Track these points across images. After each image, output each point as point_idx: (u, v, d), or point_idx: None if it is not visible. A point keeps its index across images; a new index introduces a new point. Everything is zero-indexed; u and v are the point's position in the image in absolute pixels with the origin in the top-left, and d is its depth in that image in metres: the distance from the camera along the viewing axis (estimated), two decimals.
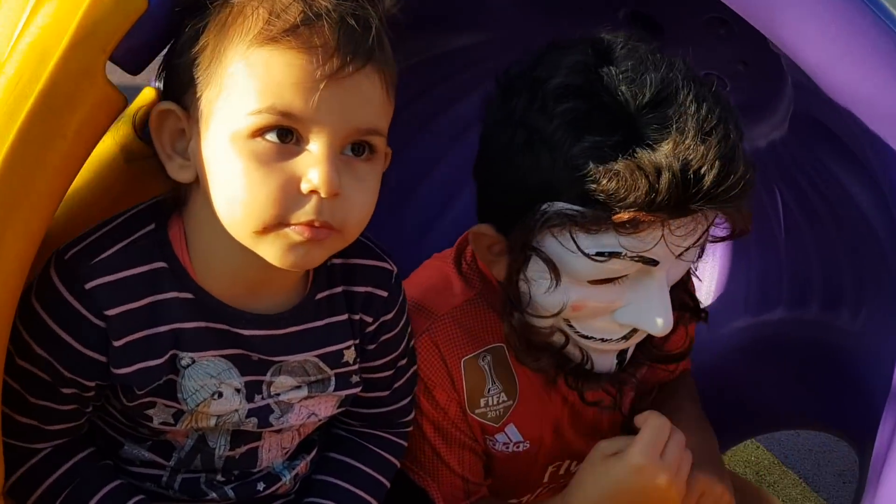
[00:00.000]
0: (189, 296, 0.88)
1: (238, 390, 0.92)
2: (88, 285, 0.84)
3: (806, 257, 1.34)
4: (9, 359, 0.87)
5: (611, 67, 0.92)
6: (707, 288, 1.52)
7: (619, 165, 0.89)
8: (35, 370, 0.86)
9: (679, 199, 0.90)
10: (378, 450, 1.07)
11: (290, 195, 0.79)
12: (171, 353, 0.89)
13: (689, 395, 1.29)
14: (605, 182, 0.90)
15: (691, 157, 0.89)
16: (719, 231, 1.02)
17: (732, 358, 1.46)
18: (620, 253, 0.94)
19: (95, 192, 0.95)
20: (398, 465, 1.09)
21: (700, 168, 0.89)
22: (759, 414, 1.45)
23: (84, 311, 0.85)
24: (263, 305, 0.92)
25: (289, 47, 0.77)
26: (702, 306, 1.15)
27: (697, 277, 1.24)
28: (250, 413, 0.94)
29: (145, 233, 0.88)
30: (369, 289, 0.98)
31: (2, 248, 0.76)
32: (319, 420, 1.00)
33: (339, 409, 1.01)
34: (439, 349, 1.10)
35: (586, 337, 1.03)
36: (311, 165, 0.79)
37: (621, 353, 1.07)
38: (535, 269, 0.99)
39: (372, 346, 1.00)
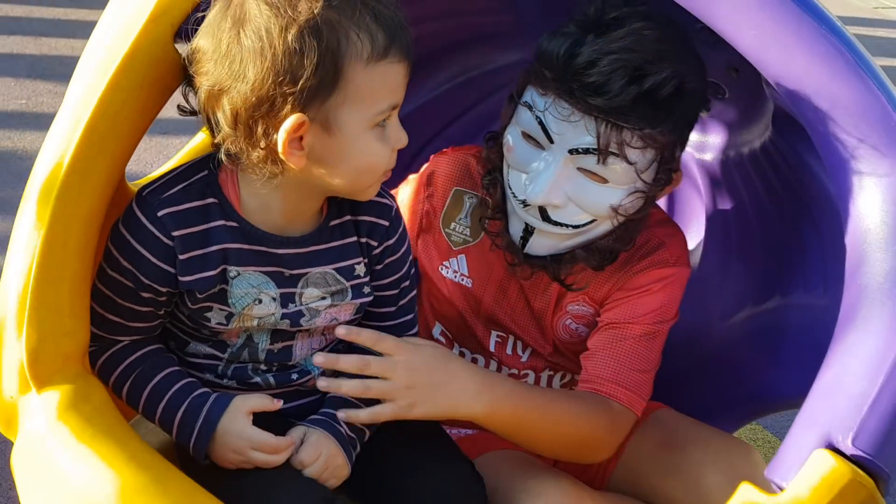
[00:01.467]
0: (234, 224, 1.15)
1: (274, 299, 1.19)
2: (160, 213, 1.12)
3: (788, 246, 1.49)
4: (102, 271, 1.17)
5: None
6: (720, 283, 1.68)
7: (555, 39, 1.26)
8: (121, 279, 1.15)
9: (559, 70, 1.24)
10: None
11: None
12: (221, 267, 1.15)
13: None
14: (542, 43, 1.28)
15: (585, 49, 1.22)
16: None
17: (738, 344, 1.63)
18: (532, 106, 1.29)
19: None
20: None
21: (585, 58, 1.22)
22: (762, 396, 1.58)
23: (157, 233, 1.13)
24: (292, 231, 1.18)
25: (394, 60, 1.06)
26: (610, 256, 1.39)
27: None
28: (284, 316, 1.20)
29: (201, 177, 1.16)
30: (372, 218, 1.24)
31: (93, 172, 1.07)
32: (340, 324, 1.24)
33: (356, 316, 1.26)
34: (435, 173, 1.51)
35: (509, 188, 1.35)
36: (398, 133, 1.12)
37: (525, 232, 1.35)
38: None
39: (379, 267, 1.26)
